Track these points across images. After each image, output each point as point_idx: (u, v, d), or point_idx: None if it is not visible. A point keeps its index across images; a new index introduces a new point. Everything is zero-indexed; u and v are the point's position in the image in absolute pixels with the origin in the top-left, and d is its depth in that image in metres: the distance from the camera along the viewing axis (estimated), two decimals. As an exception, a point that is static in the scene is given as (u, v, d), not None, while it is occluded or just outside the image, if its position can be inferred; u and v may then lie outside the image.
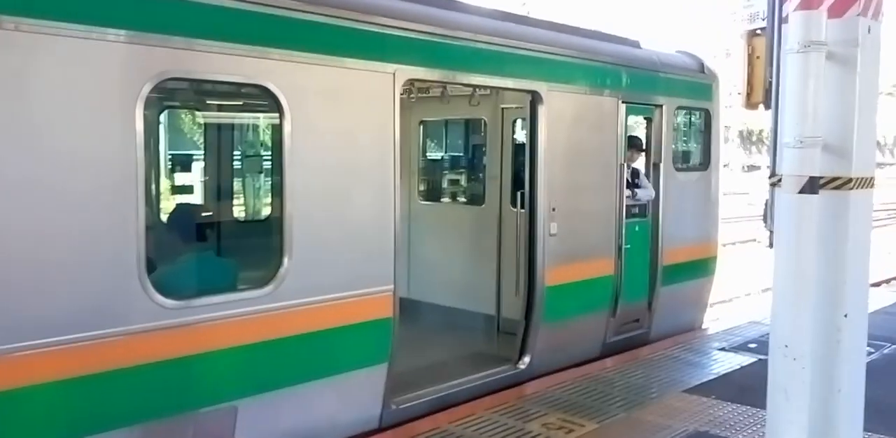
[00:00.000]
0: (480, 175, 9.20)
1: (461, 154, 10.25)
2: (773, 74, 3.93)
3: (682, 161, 9.23)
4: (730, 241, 19.71)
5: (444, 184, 9.84)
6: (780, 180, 3.76)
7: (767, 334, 8.42)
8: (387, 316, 5.62)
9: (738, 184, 38.41)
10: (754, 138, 57.71)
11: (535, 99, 6.81)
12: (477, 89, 8.35)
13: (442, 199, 9.79)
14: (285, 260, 4.99)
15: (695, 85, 8.85)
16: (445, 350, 7.62)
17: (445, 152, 10.40)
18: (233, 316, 4.75)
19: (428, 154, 10.05)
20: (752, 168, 52.60)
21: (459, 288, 8.82)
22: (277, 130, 5.00)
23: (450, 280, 8.88)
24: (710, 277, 9.35)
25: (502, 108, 8.58)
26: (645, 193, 8.18)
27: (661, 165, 8.42)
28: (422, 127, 9.50)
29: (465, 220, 8.99)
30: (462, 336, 8.28)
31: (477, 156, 9.51)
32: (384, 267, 5.63)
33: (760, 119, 49.63)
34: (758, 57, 4.07)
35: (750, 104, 4.10)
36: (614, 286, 7.80)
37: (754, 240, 21.88)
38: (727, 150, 47.04)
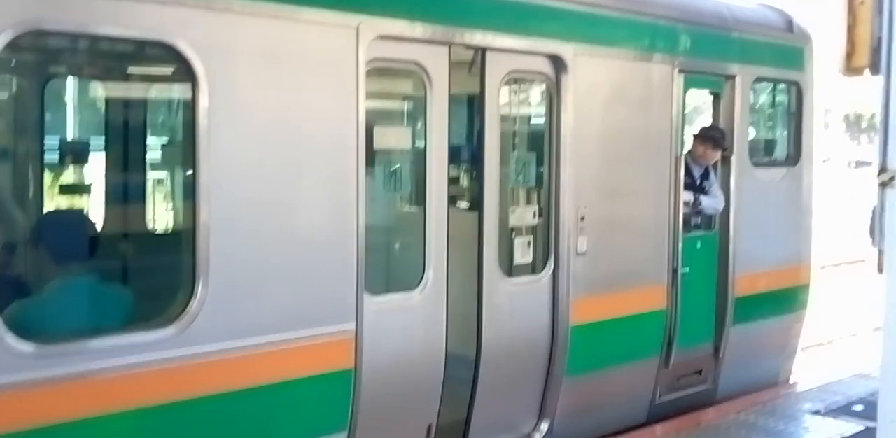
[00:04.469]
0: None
1: (461, 142, 10.07)
2: (883, 26, 3.74)
3: (763, 153, 9.17)
4: (831, 262, 19.56)
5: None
6: (893, 178, 3.69)
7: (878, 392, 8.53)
8: (345, 366, 5.53)
9: (843, 184, 38.34)
10: (864, 124, 57.70)
11: (558, 66, 6.77)
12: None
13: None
14: (198, 288, 4.86)
15: (780, 49, 8.80)
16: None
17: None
18: (122, 367, 4.59)
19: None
20: (861, 164, 52.68)
21: (452, 327, 8.59)
22: (189, 107, 4.91)
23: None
24: (801, 313, 9.29)
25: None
26: (711, 203, 8.12)
27: (734, 159, 8.34)
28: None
29: (465, 232, 8.78)
30: (455, 393, 8.06)
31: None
32: (342, 299, 5.53)
33: (872, 97, 49.60)
34: (861, 2, 3.89)
35: (851, 69, 3.93)
36: (667, 324, 7.71)
37: (863, 261, 21.72)
38: (829, 140, 47.03)
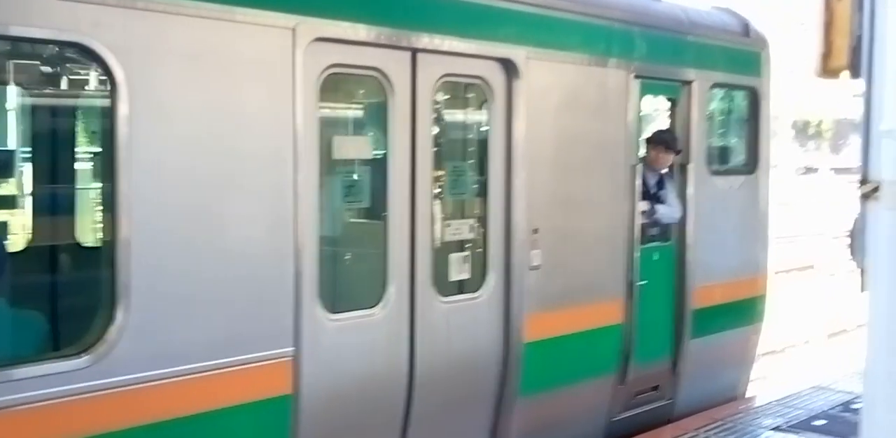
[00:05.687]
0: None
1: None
2: (864, 24, 3.56)
3: (720, 161, 9.11)
4: (782, 268, 19.65)
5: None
6: (875, 189, 3.49)
7: (839, 406, 8.49)
8: (283, 392, 5.30)
9: (791, 191, 38.88)
10: (811, 131, 58.64)
11: (510, 70, 6.59)
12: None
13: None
14: (118, 313, 4.59)
15: (737, 54, 8.74)
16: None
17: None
18: (30, 400, 4.31)
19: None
20: (809, 170, 53.48)
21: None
22: (108, 114, 4.66)
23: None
24: (758, 325, 9.26)
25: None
26: (668, 212, 7.98)
27: (691, 167, 8.24)
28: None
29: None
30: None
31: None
32: (278, 320, 5.29)
33: (820, 104, 50.49)
34: (839, -1, 3.65)
35: (827, 71, 3.67)
36: (623, 339, 7.60)
37: (811, 267, 21.84)
38: (777, 147, 47.52)
